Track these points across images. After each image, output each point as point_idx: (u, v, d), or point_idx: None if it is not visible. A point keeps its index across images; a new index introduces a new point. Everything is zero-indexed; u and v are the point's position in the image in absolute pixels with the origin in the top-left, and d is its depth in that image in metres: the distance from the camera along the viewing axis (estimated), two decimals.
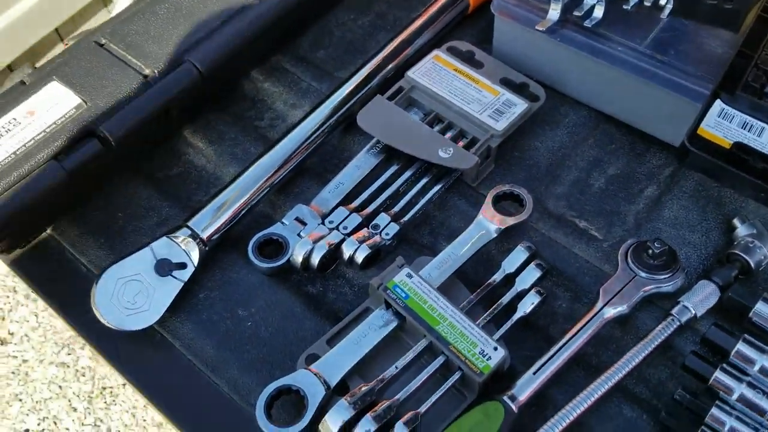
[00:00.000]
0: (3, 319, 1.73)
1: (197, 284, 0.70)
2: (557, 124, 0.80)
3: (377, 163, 0.75)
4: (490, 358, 0.60)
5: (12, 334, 1.72)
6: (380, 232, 0.70)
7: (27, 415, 1.61)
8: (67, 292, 0.71)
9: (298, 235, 0.70)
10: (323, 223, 0.70)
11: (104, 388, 1.65)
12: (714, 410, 0.58)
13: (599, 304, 0.64)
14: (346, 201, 0.73)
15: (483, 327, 0.62)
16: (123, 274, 0.66)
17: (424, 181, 0.74)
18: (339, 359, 0.62)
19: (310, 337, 0.66)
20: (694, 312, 0.63)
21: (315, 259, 0.68)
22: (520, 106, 0.74)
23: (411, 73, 0.77)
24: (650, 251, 0.65)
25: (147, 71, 0.75)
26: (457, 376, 0.61)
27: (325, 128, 0.76)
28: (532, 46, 0.77)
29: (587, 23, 0.71)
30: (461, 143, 0.73)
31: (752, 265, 0.66)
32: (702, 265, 0.69)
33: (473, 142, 0.73)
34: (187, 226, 0.69)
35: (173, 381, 0.66)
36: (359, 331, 0.63)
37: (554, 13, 0.70)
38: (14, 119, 0.71)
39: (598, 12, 0.69)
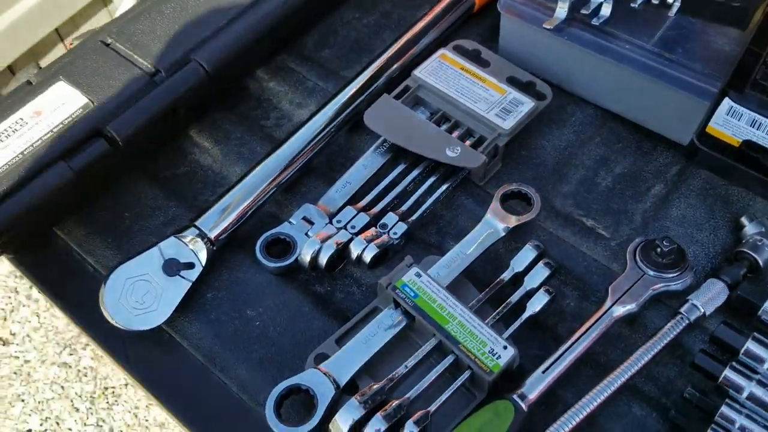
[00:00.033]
0: (5, 319, 1.73)
1: (205, 284, 0.70)
2: (564, 122, 0.80)
3: (384, 163, 0.75)
4: (499, 356, 0.60)
5: (14, 334, 1.72)
6: (388, 232, 0.70)
7: (29, 415, 1.61)
8: (74, 292, 0.71)
9: (306, 234, 0.70)
10: (331, 223, 0.70)
11: (106, 388, 1.65)
12: (724, 408, 0.58)
13: (608, 303, 0.64)
14: (353, 200, 0.73)
15: (492, 326, 0.62)
16: (131, 273, 0.66)
17: (431, 180, 0.74)
18: (348, 358, 0.62)
19: (319, 336, 0.66)
20: (703, 310, 0.63)
21: (323, 259, 0.68)
22: (527, 104, 0.74)
23: (417, 72, 0.77)
24: (659, 249, 0.65)
25: (153, 70, 0.75)
26: (466, 375, 0.61)
27: (332, 128, 0.76)
28: (539, 45, 0.77)
29: (594, 21, 0.70)
30: (468, 142, 0.73)
31: (761, 263, 0.66)
32: (710, 264, 0.69)
33: (480, 141, 0.73)
34: (195, 226, 0.69)
35: (182, 381, 0.66)
36: (368, 330, 0.63)
37: (562, 11, 0.69)
38: (21, 119, 0.71)
39: (606, 10, 0.69)
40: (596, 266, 0.70)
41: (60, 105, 0.72)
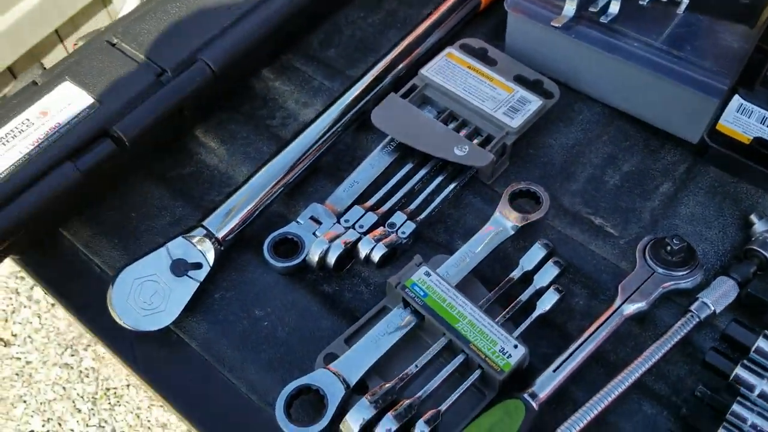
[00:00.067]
0: (6, 320, 1.73)
1: (213, 284, 0.69)
2: (571, 121, 0.79)
3: (391, 162, 0.75)
4: (510, 355, 0.60)
5: (15, 335, 1.72)
6: (396, 231, 0.69)
7: (31, 416, 1.61)
8: (80, 293, 0.71)
9: (314, 234, 0.70)
10: (339, 222, 0.70)
11: (108, 389, 1.65)
12: (735, 406, 0.58)
13: (618, 301, 0.64)
14: (360, 200, 0.73)
15: (501, 325, 0.62)
16: (139, 274, 0.66)
17: (439, 179, 0.73)
18: (358, 358, 0.62)
19: (327, 336, 0.66)
20: (713, 308, 0.63)
21: (331, 259, 0.68)
22: (535, 103, 0.74)
23: (424, 71, 0.77)
24: (669, 248, 0.64)
25: (160, 70, 0.74)
26: (477, 374, 0.60)
27: (339, 127, 0.76)
28: (546, 43, 0.77)
29: (603, 19, 0.70)
30: (475, 141, 0.73)
31: None
32: (719, 262, 0.69)
33: (488, 139, 0.73)
34: (203, 226, 0.69)
35: (190, 382, 0.66)
36: (378, 330, 0.63)
37: (570, 9, 0.69)
38: (27, 120, 0.71)
39: (614, 8, 0.69)
40: (605, 264, 0.70)
41: (66, 105, 0.72)
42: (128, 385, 1.66)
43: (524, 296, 0.65)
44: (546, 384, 0.60)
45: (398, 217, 0.70)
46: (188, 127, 0.80)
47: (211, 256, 0.68)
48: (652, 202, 0.74)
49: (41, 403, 1.63)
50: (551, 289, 0.64)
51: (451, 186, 0.73)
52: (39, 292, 1.80)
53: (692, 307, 0.64)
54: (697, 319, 0.63)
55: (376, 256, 0.68)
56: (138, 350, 0.67)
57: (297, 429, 0.58)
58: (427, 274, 0.64)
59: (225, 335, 0.67)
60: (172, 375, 0.67)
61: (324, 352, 0.64)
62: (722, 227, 0.71)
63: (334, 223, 0.70)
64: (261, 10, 0.79)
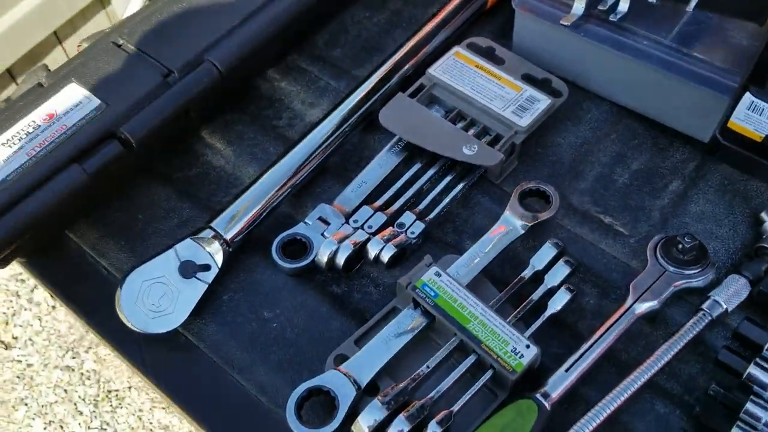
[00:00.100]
0: (6, 323, 1.73)
1: (221, 286, 0.69)
2: (579, 119, 0.79)
3: (399, 162, 0.75)
4: (522, 355, 0.59)
5: (16, 338, 1.72)
6: (405, 231, 0.69)
7: (33, 419, 1.60)
8: (88, 295, 0.71)
9: (322, 234, 0.69)
10: (347, 223, 0.70)
11: (110, 392, 1.65)
12: (749, 405, 0.58)
13: (629, 300, 0.64)
14: (368, 200, 0.72)
15: (513, 325, 0.62)
16: (148, 276, 0.66)
17: (447, 178, 0.73)
18: (369, 359, 0.61)
19: (337, 337, 0.65)
20: (725, 306, 0.63)
21: (340, 259, 0.68)
22: (544, 101, 0.73)
23: (432, 70, 0.76)
24: (680, 246, 0.64)
25: (166, 71, 0.74)
26: (489, 374, 0.60)
27: (346, 127, 0.76)
28: (554, 41, 0.77)
29: (612, 17, 0.70)
30: (483, 140, 0.73)
31: None
32: (730, 260, 0.69)
33: (497, 139, 0.73)
34: (211, 227, 0.69)
35: (199, 384, 0.66)
36: (388, 330, 0.63)
37: (579, 7, 0.69)
38: (33, 122, 0.71)
39: (623, 6, 0.69)
40: (615, 263, 0.70)
41: (72, 107, 0.71)
42: (130, 387, 1.65)
43: (536, 296, 0.64)
44: (558, 384, 0.60)
45: (407, 217, 0.70)
46: (194, 128, 0.79)
47: (219, 258, 0.68)
48: (661, 200, 0.73)
49: (42, 406, 1.63)
50: (562, 288, 0.64)
51: (460, 185, 0.73)
52: (39, 294, 1.80)
53: (704, 306, 0.63)
54: (710, 318, 0.63)
55: (385, 257, 0.68)
56: (146, 353, 0.67)
57: (308, 431, 0.58)
58: (438, 275, 0.63)
59: (234, 337, 0.67)
60: (180, 377, 0.67)
61: (334, 353, 0.63)
62: (733, 225, 0.71)
63: (343, 224, 0.70)
64: (268, 10, 0.78)
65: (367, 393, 0.60)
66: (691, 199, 0.73)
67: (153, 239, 0.73)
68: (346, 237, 0.68)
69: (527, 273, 0.65)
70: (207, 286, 0.67)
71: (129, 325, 0.64)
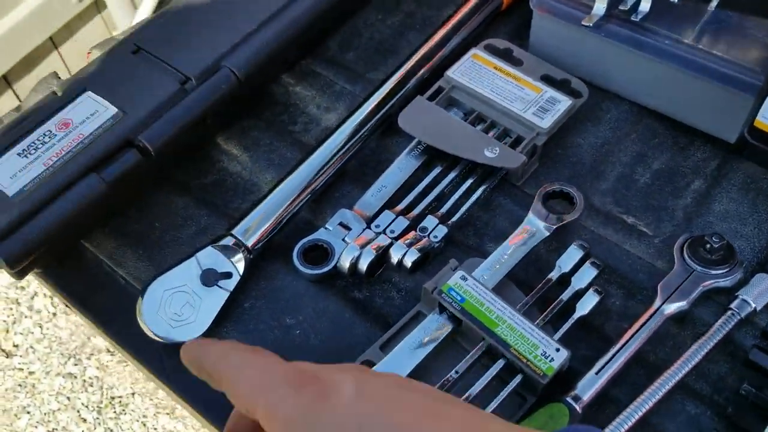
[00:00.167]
0: (7, 331, 1.72)
1: (242, 294, 0.68)
2: (599, 120, 0.79)
3: (419, 165, 0.74)
4: (552, 359, 0.59)
5: (17, 346, 1.71)
6: (428, 235, 0.68)
7: (36, 427, 1.60)
8: (106, 305, 0.70)
9: (343, 240, 0.69)
10: (369, 227, 0.69)
11: (113, 398, 1.64)
12: None
13: (658, 302, 0.63)
14: (389, 204, 0.72)
15: (541, 328, 0.61)
16: (169, 285, 0.65)
17: (469, 181, 0.72)
18: (396, 365, 0.61)
19: (362, 343, 0.65)
20: (754, 305, 0.62)
21: (363, 265, 0.67)
22: (564, 102, 0.73)
23: (451, 73, 0.76)
24: (708, 246, 0.64)
25: (184, 78, 0.73)
26: (518, 378, 0.59)
27: (364, 132, 0.75)
28: (573, 42, 0.76)
29: (634, 17, 0.69)
30: (504, 142, 0.72)
31: None
32: (756, 258, 0.68)
33: (518, 140, 0.72)
34: (232, 235, 0.68)
35: (223, 393, 0.65)
36: (414, 336, 0.62)
37: (600, 7, 0.68)
38: (49, 131, 0.70)
39: (645, 5, 0.68)
40: (641, 264, 0.69)
41: (89, 115, 0.71)
42: (133, 394, 1.65)
43: (564, 298, 0.64)
44: (588, 387, 0.59)
45: (430, 221, 0.69)
46: (211, 135, 0.79)
47: (241, 266, 0.67)
48: (684, 199, 0.73)
49: (45, 414, 1.62)
50: (591, 290, 0.63)
51: (481, 188, 0.72)
52: (40, 301, 1.79)
53: (732, 305, 0.63)
54: (738, 317, 0.62)
55: (408, 262, 0.67)
56: (167, 362, 0.66)
57: None
58: (464, 279, 0.63)
59: (257, 344, 0.65)
60: (203, 387, 0.65)
61: (360, 359, 0.63)
62: (757, 223, 0.71)
63: (364, 229, 0.69)
64: (284, 15, 0.78)
65: None
66: (714, 198, 0.72)
67: (171, 248, 0.72)
68: (369, 242, 0.68)
69: (554, 275, 0.65)
70: (229, 294, 0.66)
71: (150, 334, 0.63)
